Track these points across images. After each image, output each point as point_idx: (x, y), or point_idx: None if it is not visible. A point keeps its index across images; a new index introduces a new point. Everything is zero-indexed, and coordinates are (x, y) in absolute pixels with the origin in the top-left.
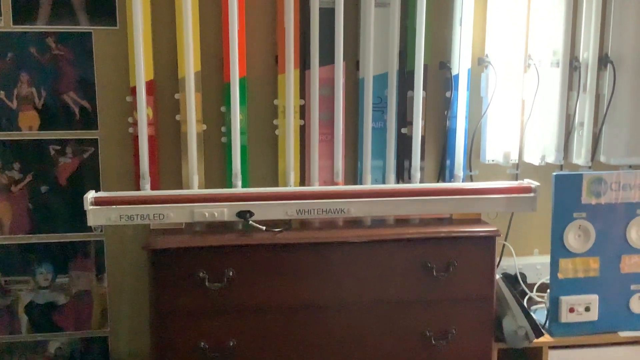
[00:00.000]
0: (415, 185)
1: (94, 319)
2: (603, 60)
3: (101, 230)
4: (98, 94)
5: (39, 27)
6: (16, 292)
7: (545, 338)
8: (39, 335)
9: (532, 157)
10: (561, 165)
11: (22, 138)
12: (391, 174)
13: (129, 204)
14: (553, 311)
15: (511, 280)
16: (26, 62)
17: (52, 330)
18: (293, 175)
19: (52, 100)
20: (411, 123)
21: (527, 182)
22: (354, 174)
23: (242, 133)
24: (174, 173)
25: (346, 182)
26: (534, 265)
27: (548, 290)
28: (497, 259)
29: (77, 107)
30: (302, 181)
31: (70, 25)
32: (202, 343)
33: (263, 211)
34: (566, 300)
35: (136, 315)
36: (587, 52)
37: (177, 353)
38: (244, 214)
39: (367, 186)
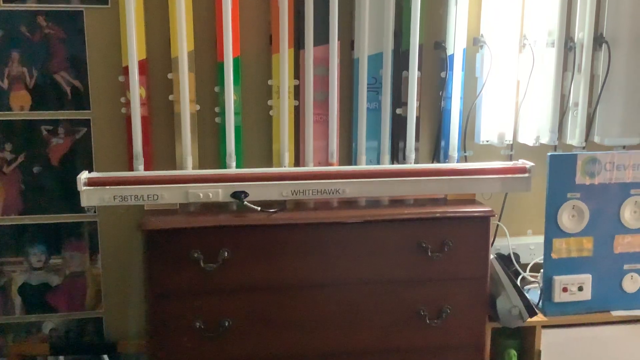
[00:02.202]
0: (410, 165)
1: (88, 299)
2: (598, 41)
3: (95, 211)
4: (90, 74)
5: (29, 5)
6: (9, 273)
7: (539, 317)
8: (32, 316)
9: (527, 138)
10: (555, 146)
11: (14, 118)
12: (386, 155)
13: (123, 185)
14: (546, 291)
15: (505, 260)
16: (17, 41)
17: (46, 311)
18: (287, 155)
19: (43, 80)
20: (406, 104)
21: (521, 162)
22: (348, 155)
23: (236, 113)
24: (167, 153)
25: (341, 163)
26: (527, 245)
27: (541, 270)
28: (491, 239)
29: (69, 87)
30: (297, 162)
31: (61, 4)
32: (197, 323)
33: (258, 192)
34: (559, 280)
35: (130, 295)
36: (582, 32)
37: (172, 333)
38: (238, 195)
39: (362, 167)
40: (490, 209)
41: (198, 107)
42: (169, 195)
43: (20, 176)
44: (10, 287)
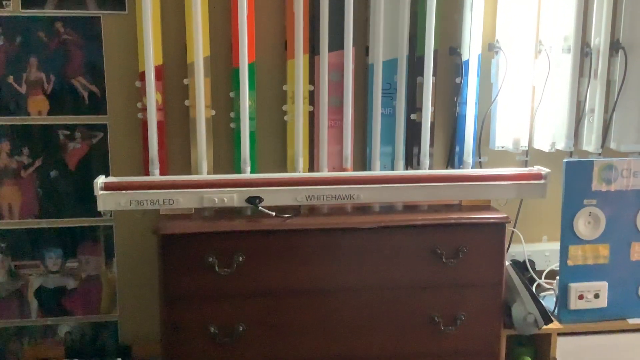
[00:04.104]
0: (424, 171)
1: (104, 303)
2: (614, 46)
3: (110, 215)
4: (107, 79)
5: (48, 11)
6: (26, 276)
7: (554, 325)
8: (48, 319)
9: (542, 144)
10: (571, 152)
11: (32, 123)
12: (400, 160)
13: (139, 189)
14: (562, 298)
15: (520, 266)
16: (35, 46)
17: (62, 314)
18: (302, 161)
19: (61, 85)
20: (420, 109)
21: (537, 168)
22: (362, 160)
23: (251, 119)
24: (182, 158)
25: (355, 168)
26: (542, 252)
27: (557, 277)
28: (506, 246)
29: (86, 92)
30: (311, 167)
31: (79, 10)
32: (212, 328)
33: (272, 197)
34: (575, 287)
35: (145, 300)
36: (599, 38)
37: (187, 338)
38: (253, 200)
39: (376, 172)
40: (505, 215)
41: (213, 112)
42: (185, 200)
43: (37, 180)
44: (27, 290)
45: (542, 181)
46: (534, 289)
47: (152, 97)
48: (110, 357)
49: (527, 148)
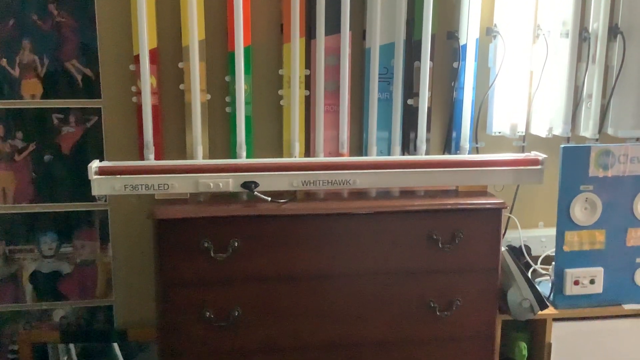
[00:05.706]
0: (421, 157)
1: (99, 288)
2: (613, 31)
3: (105, 200)
4: (101, 62)
5: None
6: (21, 261)
7: (550, 310)
8: (43, 303)
9: (539, 129)
10: (568, 138)
11: (25, 106)
12: (397, 146)
13: (134, 174)
14: (558, 283)
15: (516, 252)
16: (28, 28)
17: (57, 299)
18: (298, 146)
19: (54, 68)
20: (417, 94)
21: (534, 154)
22: (359, 145)
23: (246, 103)
24: (177, 143)
25: (351, 154)
26: (538, 237)
27: (553, 263)
28: (502, 231)
29: (80, 75)
30: (307, 152)
31: None
32: (207, 312)
33: (268, 182)
34: (571, 273)
35: (141, 284)
36: (597, 23)
37: (182, 322)
38: (249, 185)
39: (373, 157)
40: (501, 201)
41: (209, 97)
42: (180, 185)
43: (31, 164)
44: (22, 274)
45: (539, 167)
46: (529, 274)
47: (147, 80)
48: (105, 342)
49: (524, 133)
